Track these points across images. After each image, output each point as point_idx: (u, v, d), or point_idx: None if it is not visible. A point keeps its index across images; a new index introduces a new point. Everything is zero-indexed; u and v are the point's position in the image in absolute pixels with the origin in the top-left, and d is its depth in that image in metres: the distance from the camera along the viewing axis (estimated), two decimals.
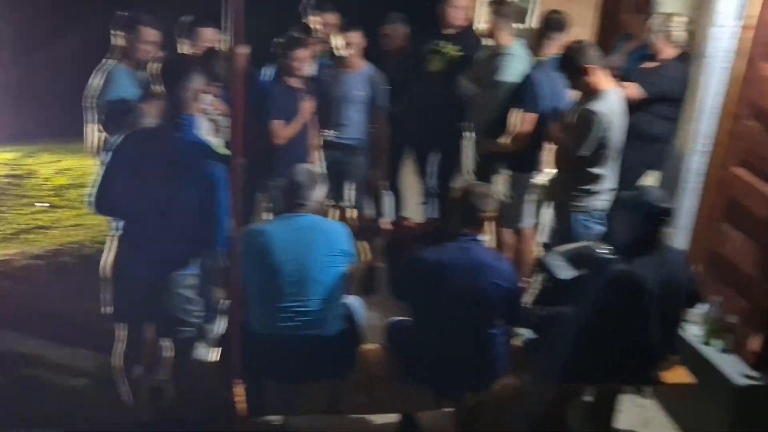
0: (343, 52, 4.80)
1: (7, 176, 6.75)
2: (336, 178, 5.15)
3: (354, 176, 5.12)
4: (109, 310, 3.42)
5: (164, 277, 3.27)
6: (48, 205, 6.17)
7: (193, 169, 3.12)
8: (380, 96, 4.96)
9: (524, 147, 4.46)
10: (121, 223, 3.33)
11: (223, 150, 3.17)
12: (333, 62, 5.28)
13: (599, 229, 4.09)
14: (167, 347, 3.53)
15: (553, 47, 4.41)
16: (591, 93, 3.95)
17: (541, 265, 3.60)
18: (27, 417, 3.69)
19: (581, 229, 4.11)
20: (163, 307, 3.32)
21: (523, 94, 4.36)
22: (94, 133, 4.04)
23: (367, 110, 4.97)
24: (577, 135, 3.98)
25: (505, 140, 4.50)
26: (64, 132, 7.11)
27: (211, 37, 4.37)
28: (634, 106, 4.30)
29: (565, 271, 3.41)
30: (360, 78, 4.91)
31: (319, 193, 3.51)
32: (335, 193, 5.20)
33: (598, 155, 3.98)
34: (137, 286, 3.30)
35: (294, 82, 4.75)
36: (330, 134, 4.99)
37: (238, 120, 2.92)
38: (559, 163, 4.25)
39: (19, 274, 4.88)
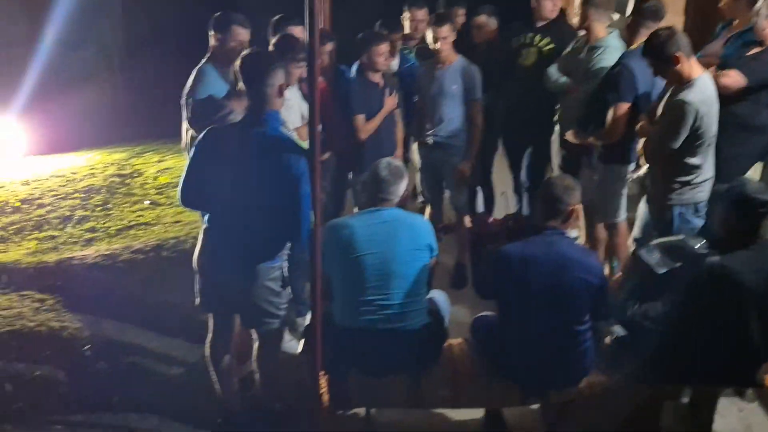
0: (435, 46, 4.75)
1: (114, 175, 7.07)
2: (433, 176, 5.14)
3: (447, 174, 5.06)
4: (199, 301, 3.53)
5: (249, 270, 3.33)
6: (150, 202, 6.43)
7: (276, 163, 3.17)
8: (476, 89, 4.86)
9: (618, 139, 4.30)
10: (207, 217, 3.43)
11: (305, 145, 3.21)
12: (417, 59, 5.27)
13: (699, 222, 3.91)
14: (255, 338, 3.60)
15: (640, 37, 4.25)
16: (681, 82, 3.78)
17: (636, 259, 3.46)
18: (126, 402, 3.87)
19: (681, 224, 3.93)
20: (248, 298, 3.38)
21: (616, 83, 4.20)
22: (186, 131, 4.19)
23: (463, 104, 4.88)
24: (668, 127, 3.81)
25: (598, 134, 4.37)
26: (170, 133, 7.47)
27: (299, 34, 4.44)
28: (737, 96, 4.09)
29: (662, 266, 3.27)
30: (454, 72, 4.84)
31: (402, 187, 3.52)
32: (433, 191, 5.19)
33: (692, 146, 3.79)
34: (223, 277, 3.38)
35: (375, 77, 4.77)
36: (429, 135, 4.95)
37: (316, 115, 2.95)
38: (650, 158, 4.09)
39: (123, 267, 5.11)
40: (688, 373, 3.37)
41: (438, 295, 3.79)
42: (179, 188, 3.38)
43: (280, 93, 3.26)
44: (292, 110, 4.20)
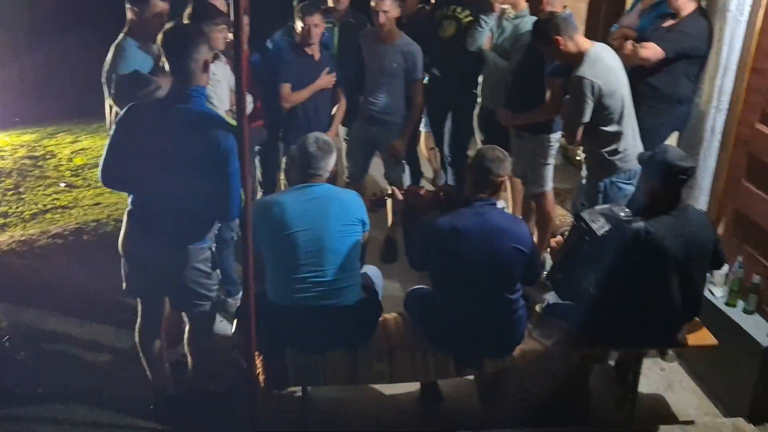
0: (378, 21, 4.66)
1: (25, 158, 6.75)
2: (365, 151, 5.08)
3: (384, 148, 5.02)
4: (126, 285, 3.40)
5: (178, 251, 3.23)
6: (65, 185, 6.17)
7: (203, 140, 3.05)
8: (417, 68, 4.82)
9: (555, 113, 4.33)
10: (131, 198, 3.30)
11: (233, 121, 3.11)
12: (341, 35, 5.16)
13: (631, 189, 3.99)
14: (186, 321, 3.50)
15: (557, 4, 4.31)
16: (573, 59, 3.87)
17: (577, 222, 3.50)
18: (52, 393, 3.71)
19: (613, 192, 4.02)
20: (177, 280, 3.28)
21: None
22: (110, 109, 4.01)
23: (403, 82, 4.83)
24: (573, 103, 3.90)
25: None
26: (85, 112, 7.17)
27: (222, 5, 4.31)
28: (656, 67, 4.19)
29: (603, 229, 3.32)
30: (396, 50, 4.77)
31: (332, 162, 3.47)
32: (359, 166, 5.14)
33: (603, 116, 3.88)
34: (150, 260, 3.26)
35: (310, 50, 4.67)
36: (367, 110, 4.89)
37: (243, 90, 2.86)
38: (567, 134, 4.17)
39: (40, 253, 4.89)
40: (616, 336, 3.46)
41: (371, 270, 3.77)
42: (99, 167, 3.22)
43: (205, 68, 3.13)
44: (219, 86, 4.06)
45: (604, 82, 3.82)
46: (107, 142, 3.22)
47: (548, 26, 3.92)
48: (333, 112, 4.94)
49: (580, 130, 3.95)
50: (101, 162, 3.21)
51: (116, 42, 3.92)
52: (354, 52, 4.96)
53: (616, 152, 3.95)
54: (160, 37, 3.15)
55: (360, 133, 5.03)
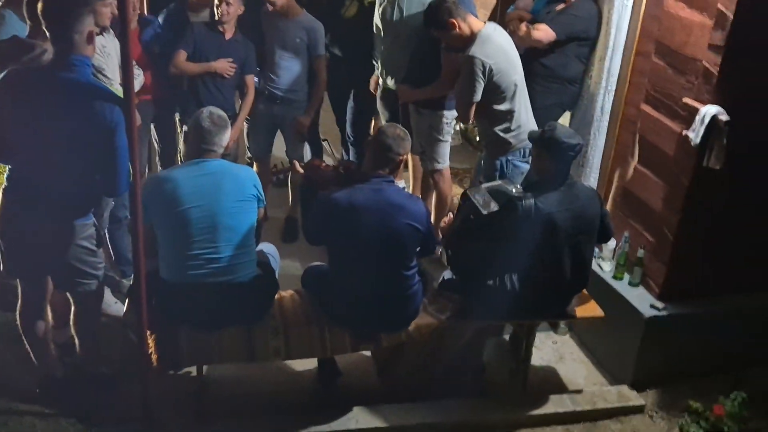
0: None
1: None
2: (267, 129, 4.97)
3: (287, 127, 4.92)
4: (4, 266, 3.23)
5: (60, 227, 3.07)
6: None
7: (88, 112, 2.89)
8: (319, 44, 4.73)
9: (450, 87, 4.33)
10: (6, 174, 3.10)
11: (120, 92, 2.97)
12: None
13: (526, 167, 4.04)
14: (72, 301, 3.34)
15: None
16: (468, 41, 3.91)
17: (464, 200, 3.52)
18: None
19: (509, 169, 4.07)
20: (60, 259, 3.12)
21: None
22: None
23: (306, 59, 4.74)
24: (464, 82, 3.93)
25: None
26: None
27: None
28: (548, 49, 4.26)
29: (487, 207, 3.35)
30: (298, 25, 4.66)
31: (226, 137, 3.37)
32: (263, 146, 5.03)
33: (496, 95, 3.93)
34: (30, 238, 3.08)
35: (221, 28, 4.53)
36: (268, 87, 4.77)
37: (130, 63, 2.75)
38: (459, 113, 4.20)
39: None
40: (509, 309, 3.51)
41: (267, 247, 3.70)
42: None
43: (90, 39, 2.97)
44: (110, 59, 3.88)
45: (495, 61, 3.85)
46: None
47: (440, 11, 3.91)
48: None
49: (473, 109, 3.98)
50: None
51: None
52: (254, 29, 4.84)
53: (509, 130, 4.00)
54: (40, 5, 2.96)
55: (262, 113, 4.91)
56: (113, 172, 2.99)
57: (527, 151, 4.00)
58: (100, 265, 3.27)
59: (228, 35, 4.59)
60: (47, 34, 2.96)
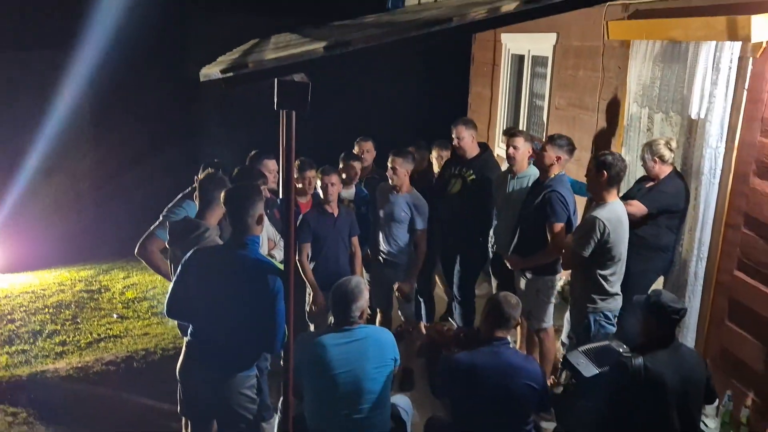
0: (390, 177, 4.90)
1: (82, 291, 6.86)
2: (383, 289, 5.13)
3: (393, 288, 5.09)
4: (181, 407, 3.44)
5: (228, 378, 3.28)
6: (117, 316, 6.24)
7: (256, 282, 3.18)
8: (422, 219, 4.98)
9: (557, 255, 4.46)
10: (190, 330, 3.38)
11: (280, 266, 3.24)
12: (366, 189, 5.39)
13: (612, 329, 4.06)
14: None
15: (557, 168, 4.50)
16: (599, 201, 4.07)
17: (565, 363, 3.54)
18: None
19: (596, 329, 4.08)
20: (227, 405, 3.31)
21: (552, 207, 4.40)
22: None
23: (408, 230, 4.99)
24: (580, 235, 4.05)
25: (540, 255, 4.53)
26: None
27: (272, 167, 4.56)
28: (642, 221, 4.35)
29: (589, 369, 3.36)
30: (404, 201, 4.95)
31: (363, 303, 3.47)
32: (383, 303, 5.17)
33: (603, 259, 4.01)
34: (204, 386, 3.31)
35: (329, 207, 4.77)
36: (380, 254, 5.01)
37: (291, 242, 3.02)
38: (566, 263, 4.30)
39: (96, 379, 4.89)
40: None
41: (401, 401, 3.75)
42: (166, 301, 3.34)
43: (260, 221, 3.30)
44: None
45: (613, 228, 3.96)
46: (174, 279, 3.36)
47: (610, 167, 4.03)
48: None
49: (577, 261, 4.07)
50: (167, 296, 3.33)
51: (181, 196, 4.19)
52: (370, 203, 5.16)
53: (603, 294, 4.06)
54: (223, 195, 3.34)
55: (376, 271, 5.15)
56: (272, 332, 3.19)
57: (611, 314, 4.05)
58: (255, 410, 3.42)
59: (335, 212, 4.78)
60: (228, 218, 3.31)
